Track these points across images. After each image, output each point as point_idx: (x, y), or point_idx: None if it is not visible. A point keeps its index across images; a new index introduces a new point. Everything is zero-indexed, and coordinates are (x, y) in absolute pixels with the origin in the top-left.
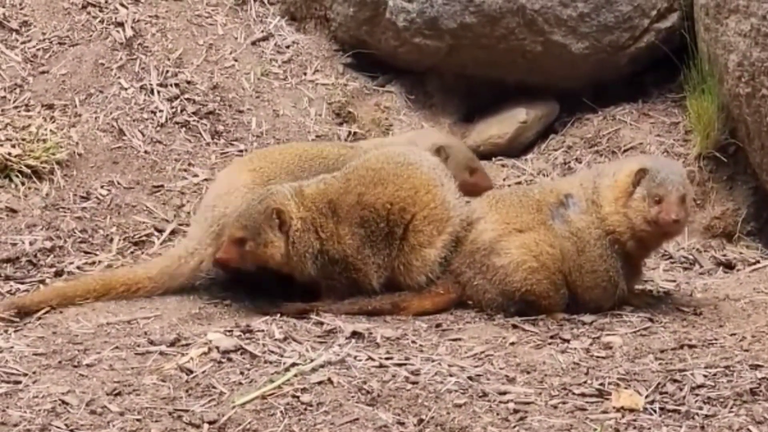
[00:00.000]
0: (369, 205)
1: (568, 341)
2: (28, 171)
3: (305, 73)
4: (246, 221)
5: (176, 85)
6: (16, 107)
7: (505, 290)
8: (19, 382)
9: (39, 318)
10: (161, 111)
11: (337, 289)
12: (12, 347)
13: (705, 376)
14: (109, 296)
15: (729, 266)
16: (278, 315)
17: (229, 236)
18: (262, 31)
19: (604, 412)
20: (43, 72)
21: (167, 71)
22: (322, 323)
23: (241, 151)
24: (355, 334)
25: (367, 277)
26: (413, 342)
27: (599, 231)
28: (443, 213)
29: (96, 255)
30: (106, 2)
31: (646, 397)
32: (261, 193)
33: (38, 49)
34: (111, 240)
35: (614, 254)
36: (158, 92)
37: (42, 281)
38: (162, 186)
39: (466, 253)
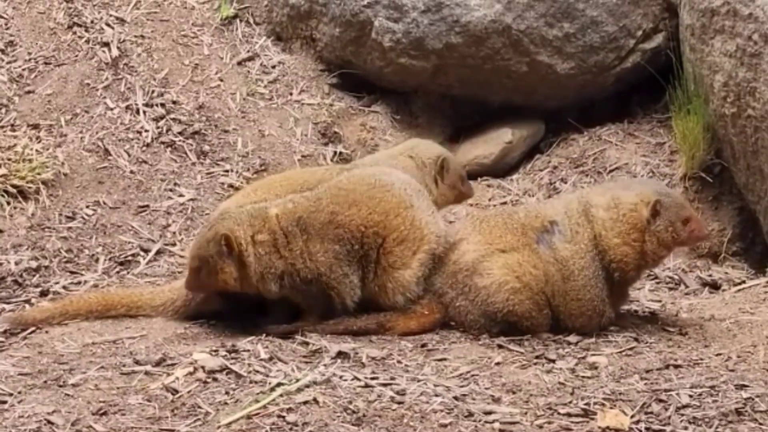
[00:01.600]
0: (343, 225)
1: (553, 361)
2: (14, 191)
3: (291, 93)
4: (197, 250)
5: (162, 105)
6: (1, 127)
7: (487, 311)
8: (5, 402)
9: (24, 338)
10: (147, 131)
11: (316, 308)
12: None
13: (690, 396)
14: (108, 315)
15: (715, 286)
16: (264, 335)
17: (189, 265)
18: (248, 51)
19: None
20: (28, 92)
21: (153, 91)
22: (307, 343)
23: (227, 171)
24: (340, 354)
25: (341, 296)
26: (399, 362)
27: (585, 260)
28: (416, 233)
29: (82, 275)
30: (91, 22)
31: (632, 417)
32: (213, 219)
33: (24, 69)
34: (96, 260)
35: (602, 282)
36: (144, 112)
37: (27, 301)
38: (148, 206)
39: (449, 274)
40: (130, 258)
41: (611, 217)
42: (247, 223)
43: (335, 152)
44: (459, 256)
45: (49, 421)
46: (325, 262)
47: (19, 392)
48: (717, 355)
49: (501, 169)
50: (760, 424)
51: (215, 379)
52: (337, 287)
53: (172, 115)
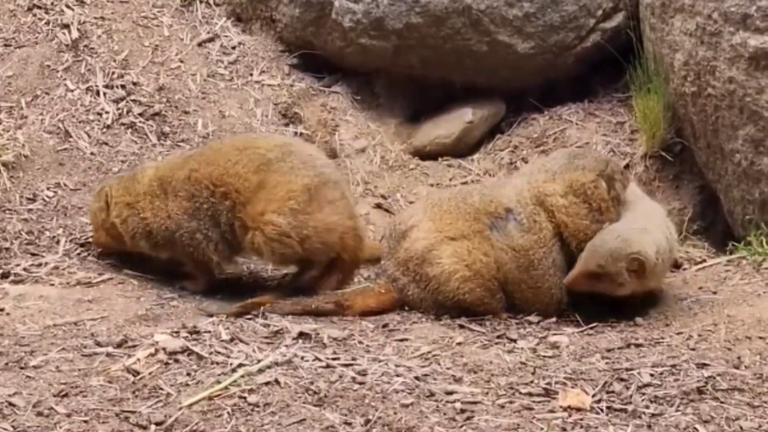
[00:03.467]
0: (197, 182)
1: (515, 341)
2: None
3: (251, 74)
4: (91, 202)
5: (122, 86)
6: None
7: (439, 299)
8: None
9: None
10: (107, 112)
11: (196, 269)
12: None
13: (652, 375)
14: None
15: (675, 265)
16: (219, 317)
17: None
18: (208, 33)
19: (551, 411)
20: None
21: (113, 73)
22: (268, 324)
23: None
24: (301, 335)
25: (206, 254)
26: (360, 342)
27: (545, 250)
28: (268, 196)
29: (43, 257)
30: (51, 4)
31: (593, 396)
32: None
33: None
34: (57, 242)
35: (561, 271)
36: (104, 94)
37: None
38: None
39: (401, 261)
40: (90, 240)
41: (573, 201)
42: (122, 182)
43: (296, 133)
44: (410, 244)
45: (10, 403)
46: (175, 219)
47: None
48: (678, 333)
49: (462, 149)
50: (722, 402)
51: (177, 361)
52: (191, 244)
53: (133, 97)
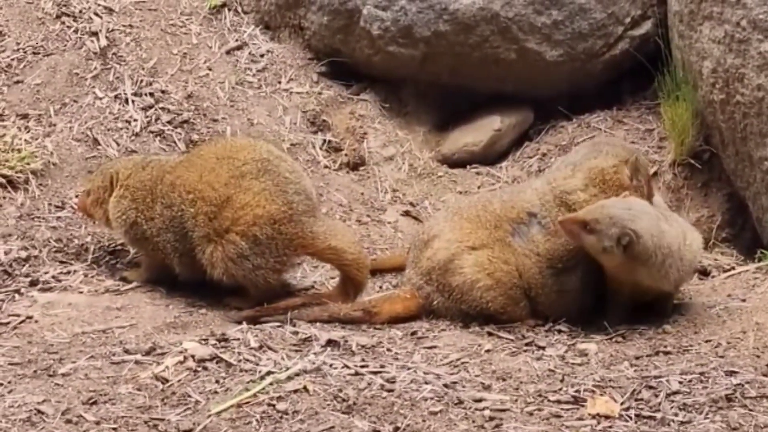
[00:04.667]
0: (176, 188)
1: (543, 348)
2: (3, 181)
3: (279, 82)
4: (93, 174)
5: (151, 94)
6: None
7: (463, 309)
8: None
9: (14, 327)
10: (136, 120)
11: (148, 268)
12: None
13: (680, 382)
14: None
15: (704, 273)
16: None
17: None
18: (237, 40)
19: (580, 419)
20: (17, 82)
21: (141, 80)
22: (297, 332)
23: None
24: (330, 342)
25: (171, 262)
26: (389, 350)
27: (571, 252)
28: (236, 212)
29: (71, 264)
30: (80, 12)
31: (622, 403)
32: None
33: (12, 59)
34: (86, 249)
35: (587, 273)
36: (133, 101)
37: (17, 291)
38: None
39: (424, 270)
40: (119, 247)
41: (594, 194)
42: (130, 167)
43: (324, 140)
44: (432, 254)
45: (39, 411)
46: (157, 225)
47: (9, 382)
48: (707, 341)
49: (490, 156)
50: (750, 410)
51: (205, 368)
52: (158, 250)
53: (161, 105)
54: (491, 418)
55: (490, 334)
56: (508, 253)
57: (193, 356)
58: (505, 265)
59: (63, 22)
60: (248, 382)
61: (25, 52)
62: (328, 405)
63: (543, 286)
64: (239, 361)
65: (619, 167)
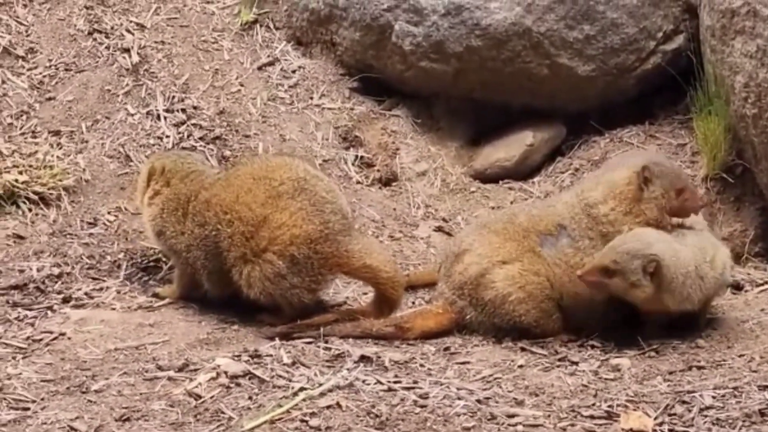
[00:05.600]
0: (213, 207)
1: (576, 363)
2: (36, 197)
3: (312, 98)
4: (150, 161)
5: (183, 110)
6: (22, 134)
7: (496, 322)
8: (28, 409)
9: (47, 344)
10: (168, 136)
11: (179, 280)
12: (20, 373)
13: (714, 397)
14: None
15: (737, 287)
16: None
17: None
18: (269, 56)
19: None
20: (49, 98)
21: (174, 97)
22: (330, 348)
23: None
24: (363, 358)
25: (200, 279)
26: (421, 365)
27: None
28: (273, 232)
29: (104, 281)
30: (112, 28)
31: (655, 418)
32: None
33: (45, 76)
34: (119, 266)
35: None
36: (165, 118)
37: (50, 308)
38: None
39: (456, 285)
40: (152, 263)
41: (612, 208)
42: (178, 170)
43: (356, 156)
44: (463, 269)
45: (72, 428)
46: (186, 240)
47: (42, 399)
48: (740, 356)
49: (522, 171)
50: None
51: (238, 384)
52: (188, 265)
53: (193, 121)
54: None
55: (523, 349)
56: (538, 265)
57: (225, 372)
58: (536, 277)
59: (95, 39)
60: (281, 398)
61: (57, 69)
62: (361, 421)
63: (575, 296)
64: (272, 377)
65: (630, 178)
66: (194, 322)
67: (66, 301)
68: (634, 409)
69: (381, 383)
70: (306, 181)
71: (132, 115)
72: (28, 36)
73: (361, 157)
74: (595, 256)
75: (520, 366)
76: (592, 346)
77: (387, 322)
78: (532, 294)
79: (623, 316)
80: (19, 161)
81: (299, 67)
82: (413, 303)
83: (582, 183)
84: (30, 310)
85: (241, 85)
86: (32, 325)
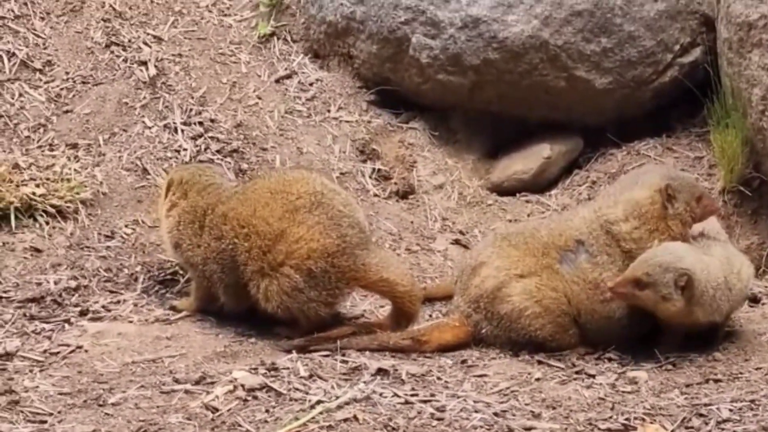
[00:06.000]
0: (230, 221)
1: (593, 376)
2: (53, 210)
3: (329, 111)
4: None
5: (200, 123)
6: (40, 147)
7: (512, 337)
8: (45, 422)
9: (64, 357)
10: (185, 149)
11: (197, 292)
12: (37, 386)
13: (731, 410)
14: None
15: (754, 300)
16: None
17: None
18: (286, 69)
19: None
20: (66, 111)
21: (191, 109)
22: (347, 361)
23: None
24: (380, 371)
25: (216, 292)
26: (438, 378)
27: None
28: (286, 247)
29: (121, 294)
30: (129, 41)
31: (672, 431)
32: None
33: (62, 89)
34: (136, 279)
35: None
36: (182, 131)
37: (67, 321)
38: None
39: (473, 298)
40: (169, 277)
41: (636, 227)
42: (195, 183)
43: (374, 169)
44: (480, 282)
45: None
46: (202, 254)
47: (59, 412)
48: (757, 369)
49: (540, 184)
50: None
51: (255, 397)
52: (205, 278)
53: (210, 134)
54: None
55: (540, 362)
56: (556, 281)
57: (243, 385)
58: (553, 293)
59: (112, 52)
60: (298, 411)
61: (74, 82)
62: None
63: (592, 313)
64: (289, 390)
65: (654, 197)
66: (211, 335)
67: (83, 314)
68: (651, 422)
69: (398, 396)
70: (323, 195)
71: (149, 128)
72: (45, 49)
73: (378, 169)
74: (616, 272)
75: (537, 379)
76: (609, 359)
77: (404, 335)
78: (548, 308)
79: (639, 333)
80: (36, 174)
81: (316, 79)
82: (430, 316)
83: (599, 199)
84: (47, 323)
85: (259, 98)
86: (49, 338)
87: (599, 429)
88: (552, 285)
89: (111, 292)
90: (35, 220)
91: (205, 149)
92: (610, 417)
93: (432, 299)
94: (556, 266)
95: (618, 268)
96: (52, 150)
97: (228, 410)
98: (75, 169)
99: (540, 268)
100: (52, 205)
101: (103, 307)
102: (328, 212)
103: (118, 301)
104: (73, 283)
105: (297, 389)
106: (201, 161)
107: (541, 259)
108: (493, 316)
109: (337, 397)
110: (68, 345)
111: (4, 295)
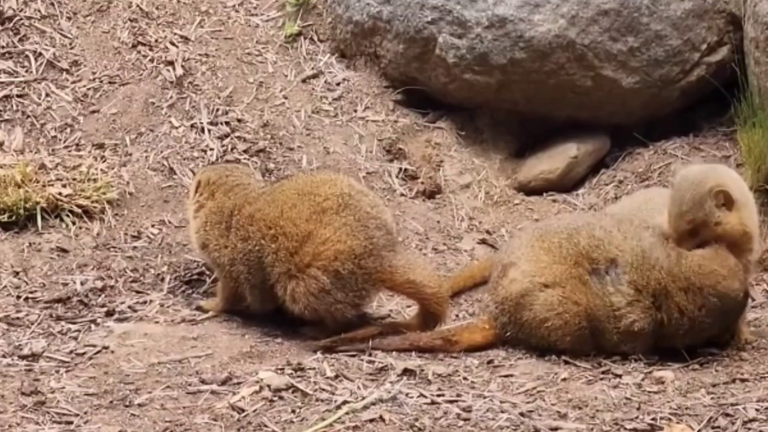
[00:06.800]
0: (257, 222)
1: (620, 376)
2: (79, 211)
3: (356, 110)
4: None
5: (227, 123)
6: (66, 147)
7: (532, 343)
8: (71, 423)
9: (90, 358)
10: (212, 149)
11: (223, 291)
12: (63, 387)
13: (757, 410)
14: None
15: None
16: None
17: None
18: (313, 69)
19: None
20: (93, 111)
21: (217, 109)
22: (373, 361)
23: None
24: (406, 372)
25: (243, 292)
26: (465, 378)
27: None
28: (313, 249)
29: (147, 294)
30: (156, 41)
31: (699, 431)
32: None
33: (88, 89)
34: (162, 279)
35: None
36: (209, 131)
37: (93, 321)
38: None
39: (500, 299)
40: (195, 277)
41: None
42: (222, 183)
43: (400, 169)
44: (507, 284)
45: None
46: (229, 254)
47: (85, 413)
48: None
49: (566, 184)
50: None
51: (281, 398)
52: (232, 279)
53: (237, 133)
54: None
55: (566, 362)
56: (579, 293)
57: (269, 386)
58: (574, 306)
59: (139, 52)
60: (324, 412)
61: (101, 82)
62: None
63: (606, 332)
64: (315, 390)
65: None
66: (237, 336)
67: (109, 314)
68: (678, 422)
69: (424, 396)
70: (350, 197)
71: (176, 128)
72: (72, 49)
73: (405, 169)
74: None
75: (564, 379)
76: (636, 359)
77: (435, 335)
78: (568, 323)
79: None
80: (62, 174)
81: (343, 79)
82: (457, 316)
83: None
84: (73, 323)
85: (285, 98)
86: (75, 338)
87: (625, 429)
88: (575, 298)
89: (137, 292)
90: (62, 220)
91: (232, 149)
92: (637, 417)
93: (459, 292)
94: (585, 277)
95: (636, 312)
96: (78, 150)
97: (254, 411)
98: (101, 169)
99: (567, 278)
100: (79, 205)
101: (129, 307)
102: (355, 214)
103: (145, 302)
104: (99, 284)
105: (323, 390)
106: (228, 161)
107: (571, 268)
108: (517, 321)
109: (364, 398)
110: (94, 345)
111: (30, 295)
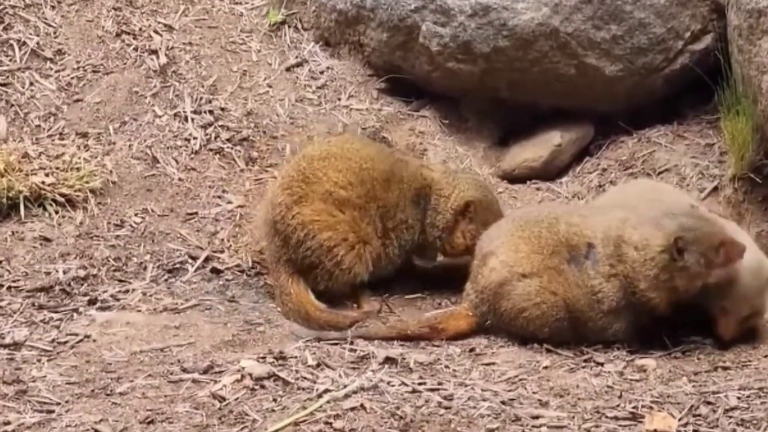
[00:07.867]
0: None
1: (601, 364)
2: (62, 200)
3: (339, 99)
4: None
5: (210, 111)
6: (50, 136)
7: (511, 332)
8: (52, 411)
9: (72, 347)
10: (195, 138)
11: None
12: (45, 376)
13: (739, 398)
14: None
15: None
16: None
17: None
18: (297, 57)
19: None
20: (77, 100)
21: (201, 98)
22: (355, 349)
23: (275, 177)
24: (388, 360)
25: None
26: (446, 367)
27: (617, 296)
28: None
29: (130, 283)
30: (140, 30)
31: (680, 419)
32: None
33: (72, 78)
34: (145, 268)
35: (631, 315)
36: (192, 119)
37: (75, 310)
38: (196, 213)
39: (480, 288)
40: (178, 266)
41: (640, 260)
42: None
43: None
44: (487, 273)
45: (96, 430)
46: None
47: (67, 401)
48: (765, 356)
49: (550, 172)
50: None
51: (263, 386)
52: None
53: (221, 122)
54: None
55: (548, 350)
56: (557, 284)
57: (250, 374)
58: (552, 296)
59: (123, 40)
60: (305, 400)
61: (84, 71)
62: (385, 423)
63: (589, 320)
64: (296, 379)
65: (665, 246)
66: (219, 324)
67: (92, 303)
68: (659, 410)
69: (406, 385)
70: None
71: (159, 116)
72: (56, 38)
73: None
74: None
75: (545, 367)
76: (618, 347)
77: (422, 323)
78: (545, 313)
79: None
80: (46, 163)
81: (327, 68)
82: (439, 304)
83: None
84: (56, 312)
85: (269, 86)
86: (57, 327)
87: (607, 417)
88: (552, 288)
89: (120, 281)
90: (44, 209)
91: (216, 138)
92: (618, 405)
93: None
94: (563, 267)
95: (615, 287)
96: (62, 139)
97: (235, 399)
98: (85, 158)
99: (544, 268)
100: (62, 194)
101: (111, 296)
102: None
103: (127, 291)
104: (81, 273)
105: (304, 378)
106: (211, 150)
107: (548, 258)
108: (496, 310)
109: (345, 386)
110: (76, 334)
111: (12, 284)
